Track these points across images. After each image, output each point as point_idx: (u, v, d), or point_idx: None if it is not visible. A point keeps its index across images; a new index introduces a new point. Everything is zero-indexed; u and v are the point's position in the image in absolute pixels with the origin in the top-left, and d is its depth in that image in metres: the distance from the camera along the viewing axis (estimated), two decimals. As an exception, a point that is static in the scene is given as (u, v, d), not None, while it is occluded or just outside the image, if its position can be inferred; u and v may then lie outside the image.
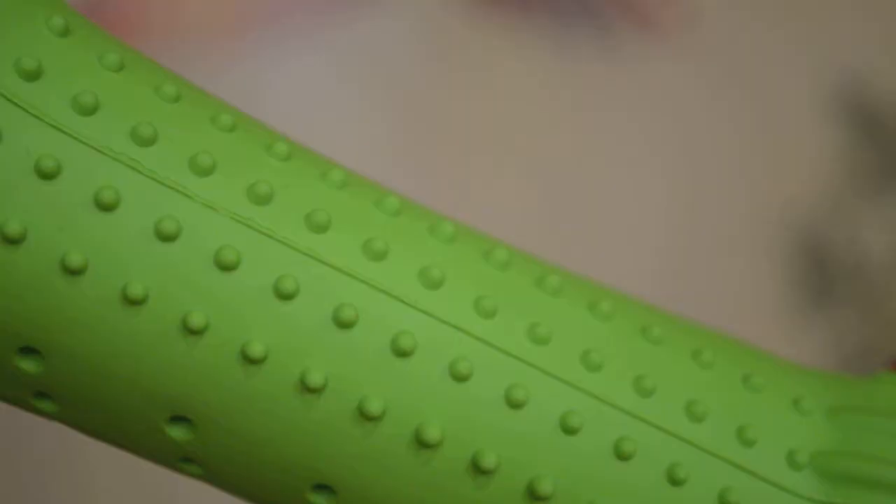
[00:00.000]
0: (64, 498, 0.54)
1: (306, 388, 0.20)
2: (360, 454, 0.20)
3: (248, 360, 0.19)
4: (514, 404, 0.20)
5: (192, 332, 0.19)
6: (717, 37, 0.67)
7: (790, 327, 0.62)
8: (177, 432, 0.20)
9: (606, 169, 0.64)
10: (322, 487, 0.20)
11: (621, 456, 0.20)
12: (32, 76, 0.19)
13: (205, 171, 0.19)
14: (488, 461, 0.20)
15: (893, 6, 0.69)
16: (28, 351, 0.20)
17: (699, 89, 0.65)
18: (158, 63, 0.21)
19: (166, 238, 0.19)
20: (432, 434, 0.20)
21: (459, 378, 0.20)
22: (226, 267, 0.19)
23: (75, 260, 0.19)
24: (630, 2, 0.66)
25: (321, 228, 0.20)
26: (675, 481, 0.20)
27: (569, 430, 0.20)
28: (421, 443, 0.20)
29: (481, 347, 0.20)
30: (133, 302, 0.19)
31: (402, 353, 0.20)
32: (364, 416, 0.20)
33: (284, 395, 0.20)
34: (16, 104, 0.19)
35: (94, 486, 0.54)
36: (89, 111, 0.19)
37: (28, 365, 0.20)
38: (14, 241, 0.19)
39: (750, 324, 0.63)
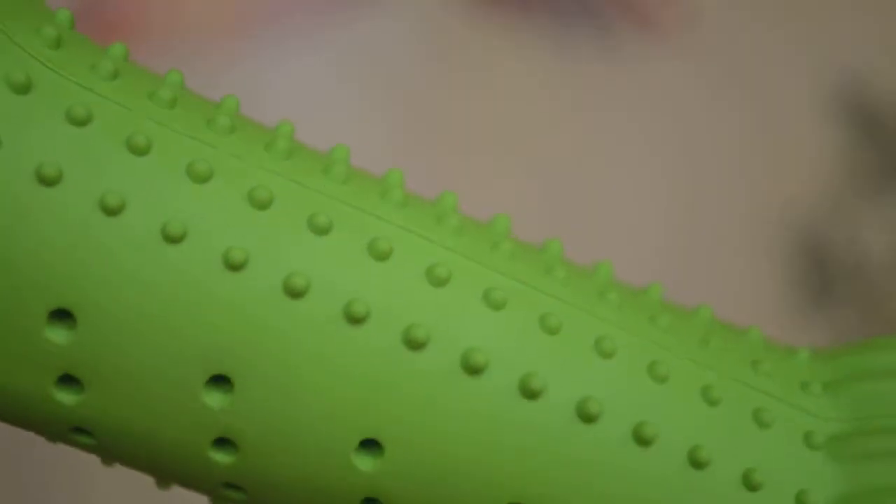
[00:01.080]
0: (64, 498, 0.54)
1: (351, 319, 0.20)
2: (409, 390, 0.20)
3: (291, 294, 0.19)
4: (549, 330, 0.20)
5: (233, 267, 0.19)
6: (717, 37, 0.67)
7: (790, 327, 0.62)
8: (215, 398, 0.20)
9: (606, 169, 0.64)
10: (368, 444, 0.20)
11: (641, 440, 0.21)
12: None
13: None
14: (536, 383, 0.20)
15: (893, 6, 0.69)
16: (59, 316, 0.19)
17: (699, 89, 0.65)
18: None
19: (200, 179, 0.19)
20: (479, 359, 0.20)
21: (495, 306, 0.20)
22: (261, 205, 0.19)
23: (113, 200, 0.19)
24: (630, 2, 0.66)
25: (345, 180, 0.20)
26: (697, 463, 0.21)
27: (586, 418, 0.20)
28: (469, 369, 0.20)
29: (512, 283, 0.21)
30: (173, 240, 0.19)
31: (438, 283, 0.20)
32: (410, 344, 0.20)
33: (329, 330, 0.19)
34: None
35: (94, 487, 0.54)
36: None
37: (58, 335, 0.19)
38: (50, 183, 0.19)
39: (750, 324, 0.63)
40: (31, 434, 0.54)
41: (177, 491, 0.53)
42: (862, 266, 0.63)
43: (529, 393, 0.20)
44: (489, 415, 0.20)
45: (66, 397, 0.20)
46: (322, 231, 0.20)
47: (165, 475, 0.21)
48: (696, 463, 0.20)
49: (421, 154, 0.60)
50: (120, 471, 0.53)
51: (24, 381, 0.19)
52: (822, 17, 0.68)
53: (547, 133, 0.64)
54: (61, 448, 0.53)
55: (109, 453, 0.20)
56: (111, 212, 0.19)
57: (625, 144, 0.64)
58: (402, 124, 0.61)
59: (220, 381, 0.20)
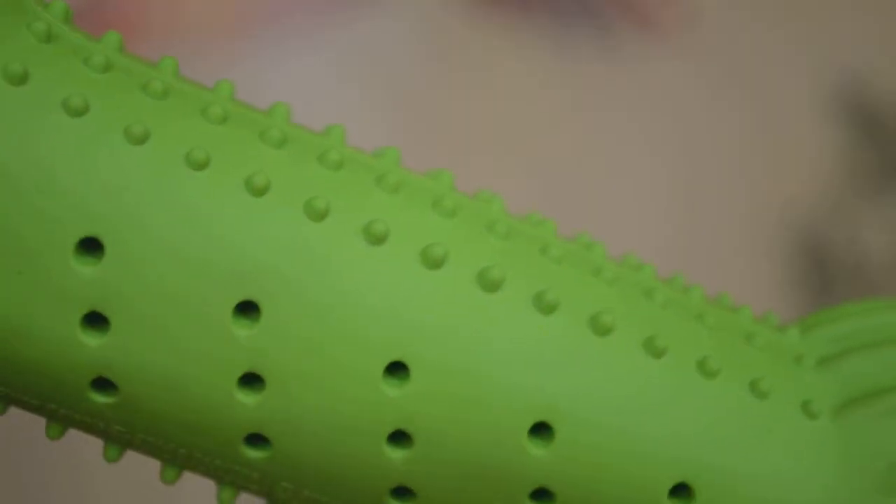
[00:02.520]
0: (64, 498, 0.54)
1: (372, 239, 0.20)
2: (431, 304, 0.20)
3: (312, 217, 0.20)
4: (554, 260, 0.21)
5: (256, 192, 0.20)
6: (717, 37, 0.67)
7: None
8: (242, 327, 0.19)
9: (606, 169, 0.64)
10: (397, 367, 0.20)
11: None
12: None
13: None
14: (550, 297, 0.20)
15: (893, 6, 0.69)
16: (86, 247, 0.19)
17: (699, 89, 0.66)
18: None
19: (219, 121, 0.20)
20: (495, 275, 0.20)
21: (501, 237, 0.21)
22: (276, 145, 0.20)
23: (138, 129, 0.19)
24: (630, 2, 0.66)
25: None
26: None
27: (601, 332, 0.21)
28: (485, 285, 0.20)
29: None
30: (197, 166, 0.19)
31: (446, 213, 0.21)
32: (429, 261, 0.20)
33: (351, 250, 0.20)
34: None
35: (94, 487, 0.54)
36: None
37: (85, 267, 0.19)
38: (78, 114, 0.19)
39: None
40: (31, 434, 0.54)
41: (177, 492, 0.53)
42: (862, 266, 0.63)
43: (546, 308, 0.20)
44: (509, 329, 0.20)
45: (91, 339, 0.19)
46: (335, 167, 0.20)
47: (186, 436, 0.20)
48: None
49: (421, 154, 0.60)
50: (120, 471, 0.53)
51: (49, 320, 0.19)
52: (822, 17, 0.68)
53: (547, 133, 0.64)
54: (61, 448, 0.53)
55: (129, 412, 0.20)
56: (137, 140, 0.19)
57: (625, 144, 0.64)
58: (402, 124, 0.61)
59: (247, 309, 0.20)
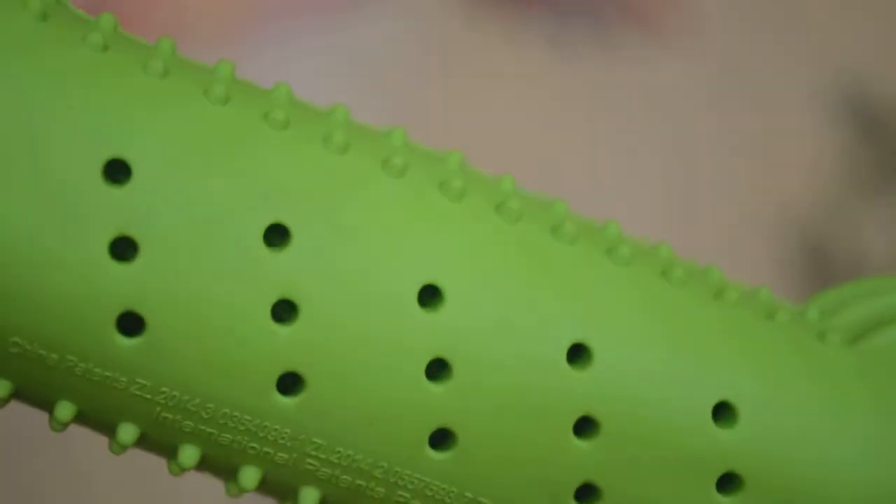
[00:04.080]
0: (64, 498, 0.54)
1: (391, 171, 0.20)
2: (459, 230, 0.20)
3: (334, 151, 0.20)
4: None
5: (276, 126, 0.20)
6: (718, 37, 0.67)
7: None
8: (274, 252, 0.19)
9: (605, 168, 0.64)
10: (428, 291, 0.20)
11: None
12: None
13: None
14: (568, 228, 0.21)
15: (893, 7, 0.69)
16: (113, 174, 0.19)
17: (699, 89, 0.66)
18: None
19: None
20: (513, 206, 0.21)
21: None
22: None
23: (157, 67, 0.19)
24: (630, 3, 0.66)
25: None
26: None
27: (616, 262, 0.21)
28: (503, 213, 0.21)
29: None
30: (218, 101, 0.20)
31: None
32: (448, 192, 0.20)
33: (372, 179, 0.20)
34: None
35: (94, 488, 0.54)
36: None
37: (113, 191, 0.19)
38: (104, 49, 0.19)
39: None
40: (31, 435, 0.54)
41: (177, 496, 0.53)
42: (862, 266, 0.63)
43: (566, 239, 0.21)
44: (535, 251, 0.20)
45: (119, 267, 0.19)
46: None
47: (216, 381, 0.19)
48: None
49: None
50: (120, 473, 0.53)
51: (76, 246, 0.19)
52: (822, 18, 0.68)
53: (546, 133, 0.64)
54: (61, 449, 0.53)
55: (156, 355, 0.19)
56: (161, 75, 0.20)
57: (624, 144, 0.64)
58: (402, 124, 0.61)
59: (278, 236, 0.19)
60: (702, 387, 0.20)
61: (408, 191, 0.20)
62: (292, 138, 0.20)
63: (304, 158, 0.20)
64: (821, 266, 0.63)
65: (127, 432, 0.20)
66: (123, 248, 0.19)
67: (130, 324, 0.19)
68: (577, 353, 0.20)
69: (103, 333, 0.19)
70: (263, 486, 0.21)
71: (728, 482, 0.20)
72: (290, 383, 0.20)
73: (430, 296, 0.20)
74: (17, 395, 0.20)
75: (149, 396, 0.19)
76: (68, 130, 0.19)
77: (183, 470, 0.21)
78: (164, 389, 0.19)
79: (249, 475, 0.20)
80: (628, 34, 0.66)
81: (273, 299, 0.19)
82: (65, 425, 0.20)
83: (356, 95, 0.62)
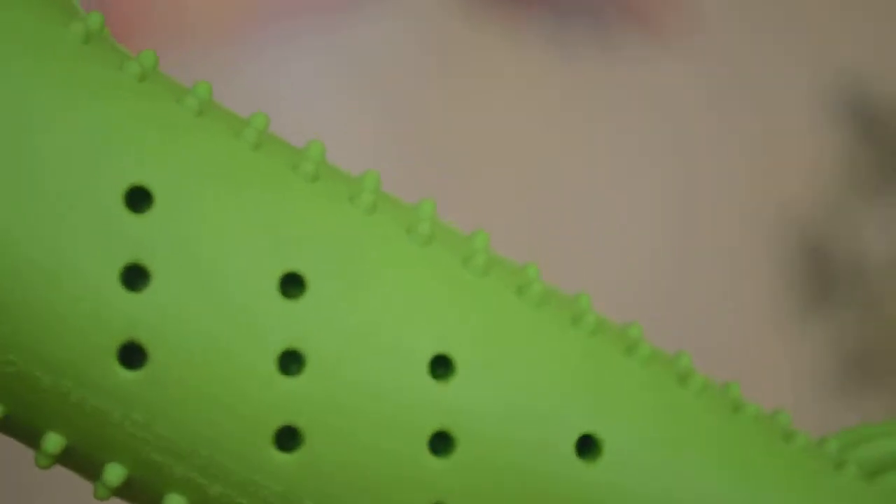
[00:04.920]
0: (64, 498, 0.54)
1: (417, 235, 0.20)
2: (475, 307, 0.20)
3: (361, 208, 0.20)
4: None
5: (306, 177, 0.20)
6: (718, 37, 0.67)
7: (789, 328, 0.62)
8: (287, 301, 0.19)
9: (605, 169, 0.64)
10: (440, 361, 0.20)
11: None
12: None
13: None
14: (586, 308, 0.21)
15: (893, 7, 0.69)
16: (135, 199, 0.18)
17: (699, 89, 0.66)
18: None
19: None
20: (536, 289, 0.20)
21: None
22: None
23: (192, 104, 0.19)
24: (631, 3, 0.66)
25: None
26: None
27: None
28: (522, 291, 0.21)
29: None
30: (251, 146, 0.19)
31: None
32: (472, 267, 0.20)
33: (397, 242, 0.20)
34: None
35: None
36: None
37: (132, 217, 0.18)
38: (140, 78, 0.19)
39: (749, 325, 0.63)
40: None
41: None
42: (862, 266, 0.63)
43: (586, 329, 0.21)
44: (554, 339, 0.20)
45: (129, 294, 0.18)
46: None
47: (214, 422, 0.19)
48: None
49: (422, 154, 0.60)
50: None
51: (90, 266, 0.18)
52: (823, 18, 0.68)
53: (546, 133, 0.64)
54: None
55: (156, 388, 0.18)
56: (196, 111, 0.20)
57: (624, 144, 0.64)
58: (402, 124, 0.61)
59: (292, 284, 0.19)
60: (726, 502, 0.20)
61: (431, 258, 0.20)
62: (320, 191, 0.20)
63: (329, 212, 0.19)
64: (821, 266, 0.63)
65: (114, 473, 0.19)
66: (135, 277, 0.18)
67: (132, 356, 0.19)
68: (587, 445, 0.20)
69: (103, 361, 0.18)
70: None
71: None
72: (288, 440, 0.19)
73: (441, 367, 0.19)
74: (5, 422, 0.19)
75: (141, 434, 0.19)
76: (92, 151, 0.18)
77: None
78: (157, 428, 0.19)
79: None
80: (628, 34, 0.66)
81: (281, 348, 0.19)
82: (52, 459, 0.19)
83: (356, 95, 0.62)
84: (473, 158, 0.62)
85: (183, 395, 0.19)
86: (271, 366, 0.19)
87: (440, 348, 0.19)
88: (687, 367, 0.21)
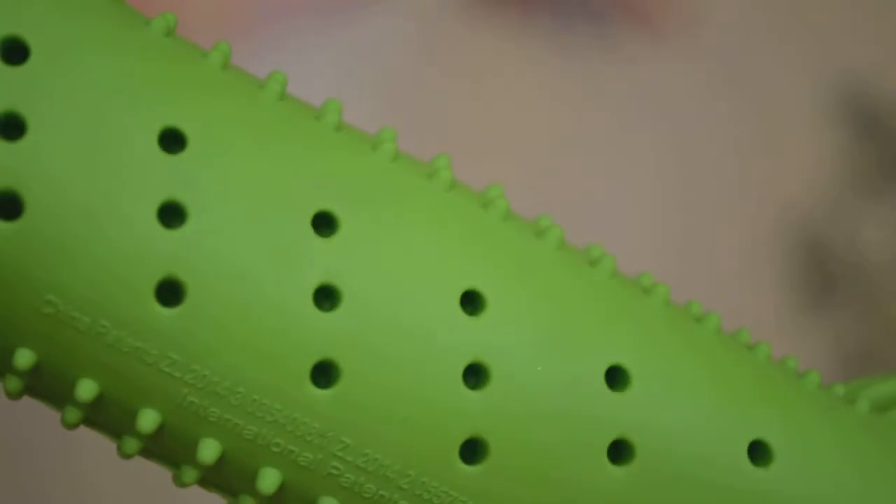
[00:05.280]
0: (64, 498, 0.54)
1: (440, 181, 0.21)
2: (503, 239, 0.21)
3: (384, 155, 0.21)
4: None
5: (330, 126, 0.21)
6: (718, 37, 0.67)
7: (790, 328, 0.62)
8: (320, 239, 0.19)
9: (605, 168, 0.64)
10: (471, 297, 0.20)
11: None
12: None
13: None
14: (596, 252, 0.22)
15: (893, 6, 0.69)
16: (170, 141, 0.19)
17: (699, 89, 0.66)
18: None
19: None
20: (554, 234, 0.21)
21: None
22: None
23: (216, 59, 0.20)
24: (631, 2, 0.66)
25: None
26: None
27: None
28: (538, 233, 0.22)
29: None
30: (276, 96, 0.20)
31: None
32: (493, 211, 0.21)
33: (420, 182, 0.21)
34: None
35: (94, 489, 0.54)
36: None
37: (168, 156, 0.19)
38: (167, 34, 0.20)
39: (749, 325, 0.63)
40: (31, 436, 0.54)
41: (176, 492, 0.53)
42: (862, 266, 0.63)
43: (605, 272, 0.21)
44: (577, 276, 0.21)
45: (167, 231, 0.19)
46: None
47: (250, 361, 0.19)
48: None
49: (421, 153, 0.60)
50: (120, 474, 0.53)
51: (128, 206, 0.18)
52: (823, 18, 0.68)
53: (546, 133, 0.64)
54: (61, 449, 0.53)
55: (193, 326, 0.19)
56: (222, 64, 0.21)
57: (625, 144, 0.64)
58: (402, 124, 0.61)
59: (323, 223, 0.19)
60: (737, 425, 0.20)
61: (454, 202, 0.20)
62: (344, 140, 0.20)
63: (355, 158, 0.20)
64: (821, 266, 0.63)
65: (148, 419, 0.19)
66: (172, 215, 0.19)
67: (169, 295, 0.19)
68: (615, 378, 0.20)
69: (141, 299, 0.18)
70: (280, 496, 0.20)
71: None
72: (324, 376, 0.19)
73: (471, 302, 0.20)
74: (36, 374, 0.19)
75: (178, 375, 0.19)
76: (127, 97, 0.19)
77: (197, 474, 0.20)
78: (195, 367, 0.19)
79: (269, 478, 0.19)
80: (628, 33, 0.66)
81: (315, 284, 0.19)
82: (82, 411, 0.19)
83: (356, 95, 0.62)
84: (473, 158, 0.62)
85: (220, 333, 0.19)
86: (307, 301, 0.19)
87: (470, 284, 0.20)
88: (700, 312, 0.22)
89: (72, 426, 0.20)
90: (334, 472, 0.19)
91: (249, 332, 0.19)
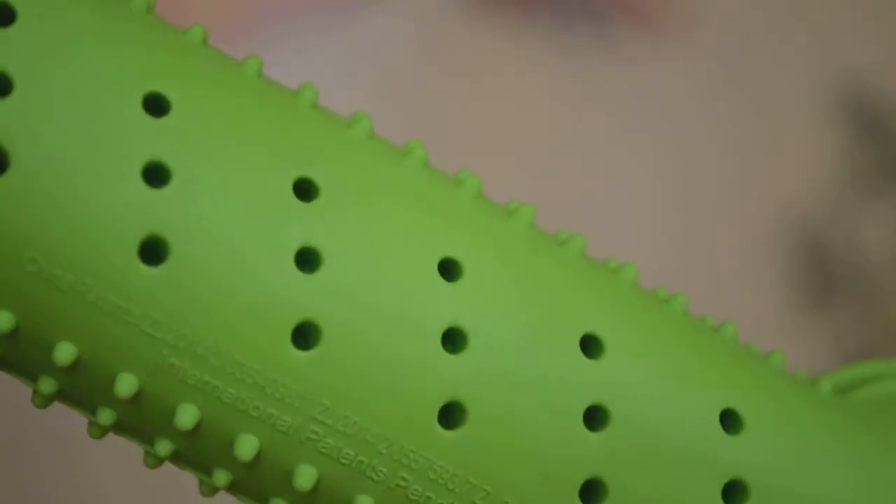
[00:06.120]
0: (64, 498, 0.54)
1: (414, 157, 0.21)
2: (475, 211, 0.21)
3: (360, 131, 0.21)
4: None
5: (307, 103, 0.21)
6: (718, 37, 0.67)
7: (790, 328, 0.62)
8: (301, 204, 0.19)
9: (605, 168, 0.64)
10: (448, 265, 0.20)
11: None
12: None
13: None
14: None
15: (893, 6, 0.69)
16: (154, 105, 0.19)
17: (699, 89, 0.66)
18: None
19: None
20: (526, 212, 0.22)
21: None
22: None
23: (197, 34, 0.21)
24: (631, 2, 0.66)
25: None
26: None
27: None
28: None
29: None
30: (255, 73, 0.21)
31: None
32: (464, 187, 0.22)
33: (396, 156, 0.21)
34: None
35: (94, 489, 0.54)
36: None
37: (153, 119, 0.19)
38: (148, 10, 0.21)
39: (749, 324, 0.63)
40: (31, 434, 0.54)
41: (178, 494, 0.53)
42: (862, 266, 0.63)
43: (575, 253, 0.21)
44: (545, 249, 0.21)
45: (151, 193, 0.19)
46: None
47: (231, 321, 0.19)
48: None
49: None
50: (121, 472, 0.53)
51: (112, 167, 0.19)
52: (823, 18, 0.68)
53: (546, 133, 0.64)
54: (62, 451, 0.53)
55: (175, 284, 0.19)
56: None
57: (625, 144, 0.64)
58: (402, 124, 0.61)
59: (304, 191, 0.20)
60: (708, 392, 0.21)
61: (429, 177, 0.21)
62: (321, 116, 0.21)
63: (334, 132, 0.20)
64: (821, 266, 0.63)
65: (126, 384, 0.19)
66: (156, 176, 0.19)
67: (153, 253, 0.19)
68: (589, 346, 0.20)
69: (125, 257, 0.19)
70: (256, 466, 0.20)
71: (734, 491, 0.20)
72: (306, 337, 0.19)
73: (449, 271, 0.20)
74: (13, 338, 0.19)
75: (159, 335, 0.19)
76: (113, 62, 0.19)
77: (172, 446, 0.20)
78: (176, 327, 0.19)
79: (247, 444, 0.19)
80: (628, 33, 0.66)
81: (296, 246, 0.19)
82: (58, 379, 0.19)
83: (356, 95, 0.62)
84: (473, 157, 0.62)
85: (202, 292, 0.19)
86: (289, 263, 0.19)
87: (447, 252, 0.20)
88: (667, 295, 0.22)
89: (46, 399, 0.20)
90: (313, 436, 0.19)
91: (231, 292, 0.19)
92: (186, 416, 0.19)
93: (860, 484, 0.21)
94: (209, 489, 0.20)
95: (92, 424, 0.20)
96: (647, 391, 0.20)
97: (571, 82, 0.65)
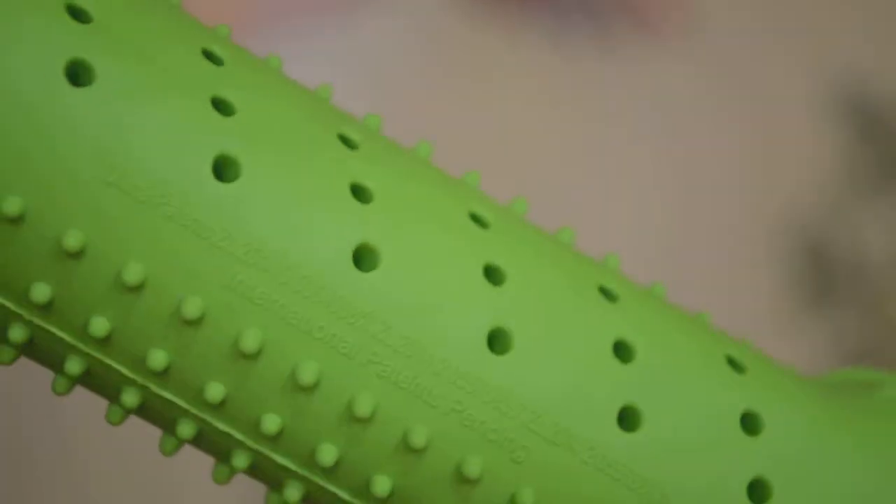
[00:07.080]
0: (64, 498, 0.54)
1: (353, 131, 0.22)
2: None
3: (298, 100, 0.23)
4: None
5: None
6: (718, 37, 0.67)
7: (790, 327, 0.62)
8: (350, 151, 0.21)
9: (605, 168, 0.64)
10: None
11: None
12: None
13: None
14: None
15: (893, 7, 0.69)
16: (76, 74, 0.19)
17: (699, 89, 0.66)
18: None
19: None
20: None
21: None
22: None
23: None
24: (631, 3, 0.66)
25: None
26: None
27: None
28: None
29: None
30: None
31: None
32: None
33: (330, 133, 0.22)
34: None
35: (95, 489, 0.54)
36: None
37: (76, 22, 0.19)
38: None
39: (749, 324, 0.63)
40: (31, 433, 0.54)
41: (177, 491, 0.53)
42: (862, 266, 0.63)
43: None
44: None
45: (218, 118, 0.20)
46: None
47: (302, 240, 0.20)
48: None
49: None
50: (121, 475, 0.53)
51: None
52: (823, 19, 0.68)
53: (546, 132, 0.64)
54: (61, 449, 0.53)
55: (245, 206, 0.19)
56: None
57: (624, 144, 0.64)
58: (402, 124, 0.61)
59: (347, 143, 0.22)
60: (731, 395, 0.21)
61: (371, 147, 0.22)
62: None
63: (269, 94, 0.21)
64: (821, 266, 0.63)
65: (193, 305, 0.19)
66: (222, 107, 0.20)
67: (225, 171, 0.19)
68: (621, 351, 0.21)
69: (200, 173, 0.19)
70: (313, 395, 0.19)
71: (758, 489, 0.21)
72: (366, 260, 0.20)
73: (479, 221, 0.21)
74: (83, 254, 0.18)
75: (231, 249, 0.19)
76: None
77: (220, 394, 0.19)
78: (247, 241, 0.19)
79: (309, 369, 0.19)
80: (628, 34, 0.66)
81: (349, 182, 0.20)
82: (124, 295, 0.19)
83: (356, 95, 0.62)
84: (473, 157, 0.62)
85: (272, 209, 0.19)
86: (345, 192, 0.20)
87: (473, 209, 0.21)
88: (664, 292, 0.23)
89: (98, 343, 0.19)
90: (374, 358, 0.19)
91: (297, 210, 0.19)
92: (251, 338, 0.19)
93: (878, 479, 0.21)
94: (254, 438, 0.20)
95: (143, 361, 0.19)
96: (676, 395, 0.21)
97: (571, 82, 0.65)
